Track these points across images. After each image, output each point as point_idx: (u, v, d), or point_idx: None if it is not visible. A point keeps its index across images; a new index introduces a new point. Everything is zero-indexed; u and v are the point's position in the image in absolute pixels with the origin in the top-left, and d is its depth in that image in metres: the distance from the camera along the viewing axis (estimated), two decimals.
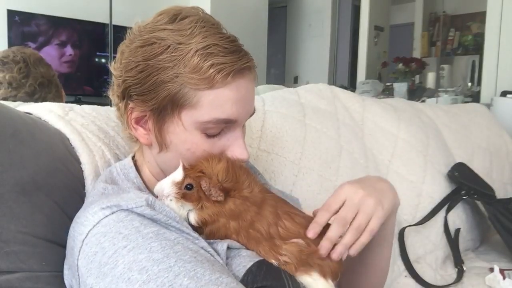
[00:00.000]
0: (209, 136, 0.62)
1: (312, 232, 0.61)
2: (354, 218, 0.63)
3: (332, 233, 0.61)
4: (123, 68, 0.63)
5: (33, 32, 3.28)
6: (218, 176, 0.59)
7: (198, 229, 0.59)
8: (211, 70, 0.58)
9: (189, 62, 0.58)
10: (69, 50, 3.49)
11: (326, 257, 0.61)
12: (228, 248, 0.58)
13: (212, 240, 0.59)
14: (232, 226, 0.59)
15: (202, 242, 0.56)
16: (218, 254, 0.56)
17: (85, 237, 0.54)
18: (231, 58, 0.60)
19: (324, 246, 0.60)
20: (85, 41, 3.56)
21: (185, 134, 0.62)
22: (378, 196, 0.65)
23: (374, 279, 0.80)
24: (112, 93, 0.68)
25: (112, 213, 0.55)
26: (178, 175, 0.60)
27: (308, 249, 0.60)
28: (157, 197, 0.60)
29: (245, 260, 0.57)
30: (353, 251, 0.62)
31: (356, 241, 0.62)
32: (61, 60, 3.44)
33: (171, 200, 0.59)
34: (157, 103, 0.61)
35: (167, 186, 0.59)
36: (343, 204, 0.64)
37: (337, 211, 0.63)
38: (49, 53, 3.33)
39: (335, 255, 0.60)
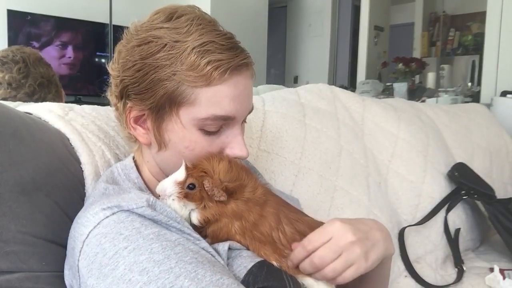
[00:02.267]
0: (208, 133, 0.62)
1: (289, 265, 0.59)
2: (331, 262, 0.58)
3: (304, 269, 0.59)
4: (121, 68, 0.63)
5: (33, 32, 3.28)
6: (220, 176, 0.59)
7: (200, 232, 0.59)
8: (208, 67, 0.58)
9: (186, 59, 0.58)
10: (69, 50, 3.49)
11: None
12: (229, 248, 0.58)
13: None
14: (235, 226, 0.59)
15: (203, 243, 0.56)
16: (219, 255, 0.56)
17: (86, 237, 0.54)
18: (228, 55, 0.60)
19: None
20: (85, 41, 3.56)
21: (183, 132, 0.62)
22: (367, 246, 0.60)
23: None
24: (110, 94, 0.68)
25: (113, 213, 0.55)
26: (180, 174, 0.59)
27: None
28: (158, 197, 0.60)
29: (246, 260, 0.57)
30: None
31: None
32: (61, 61, 3.44)
33: (173, 199, 0.59)
34: (155, 101, 0.61)
35: (169, 185, 0.59)
36: (326, 241, 0.59)
37: (317, 249, 0.58)
38: (49, 53, 3.33)
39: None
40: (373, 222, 0.66)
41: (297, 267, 0.59)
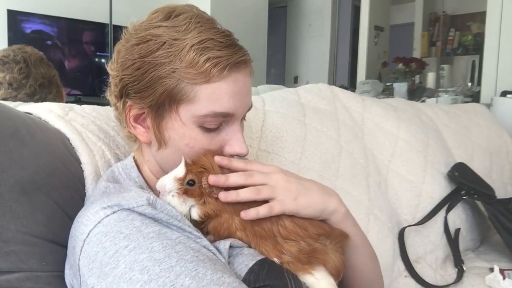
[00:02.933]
0: (208, 130, 0.63)
1: (218, 159, 0.61)
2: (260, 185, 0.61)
3: (231, 176, 0.60)
4: (120, 67, 0.63)
5: (33, 32, 3.28)
6: (219, 172, 0.59)
7: (201, 229, 0.59)
8: (207, 64, 0.59)
9: (185, 57, 0.59)
10: (69, 50, 3.49)
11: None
12: (231, 246, 0.58)
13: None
14: (236, 222, 0.59)
15: (204, 241, 0.56)
16: (220, 253, 0.56)
17: (86, 236, 0.54)
18: (227, 52, 0.60)
19: (218, 179, 0.59)
20: (85, 41, 3.56)
21: (183, 129, 0.62)
22: (298, 189, 0.63)
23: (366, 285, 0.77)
24: (110, 94, 0.68)
25: (113, 212, 0.55)
26: (180, 171, 0.60)
27: (308, 248, 0.60)
28: (158, 195, 0.60)
29: (247, 258, 0.57)
30: (245, 214, 0.59)
31: (252, 208, 0.59)
32: (61, 61, 3.44)
33: (173, 196, 0.59)
34: (155, 99, 0.61)
35: (169, 182, 0.60)
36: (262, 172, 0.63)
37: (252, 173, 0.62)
38: (49, 53, 3.33)
39: (221, 195, 0.59)
40: (319, 183, 0.69)
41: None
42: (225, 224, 0.59)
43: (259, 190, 0.60)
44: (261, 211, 0.59)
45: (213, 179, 0.59)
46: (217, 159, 0.61)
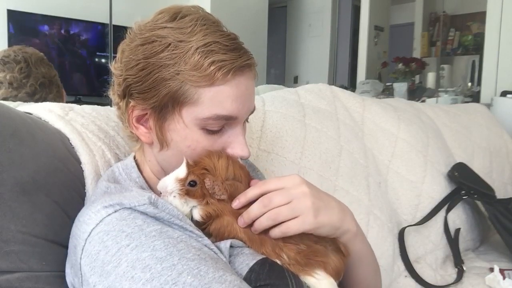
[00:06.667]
0: (210, 132, 0.63)
1: (236, 202, 0.59)
2: (278, 205, 0.59)
3: (252, 209, 0.59)
4: (124, 67, 0.63)
5: (33, 32, 3.28)
6: (221, 174, 0.59)
7: (202, 231, 0.59)
8: (212, 68, 0.59)
9: (189, 59, 0.59)
10: (69, 50, 3.49)
11: (325, 254, 0.61)
12: (231, 246, 0.58)
13: None
14: (238, 223, 0.59)
15: (206, 240, 0.56)
16: (221, 252, 0.56)
17: (88, 235, 0.54)
18: (232, 56, 0.60)
19: (243, 218, 0.59)
20: (85, 41, 3.56)
21: (185, 131, 0.62)
22: (319, 206, 0.61)
23: None
24: (113, 93, 0.68)
25: (115, 211, 0.55)
26: (181, 171, 0.60)
27: (308, 251, 0.60)
28: (159, 195, 0.60)
29: (248, 258, 0.57)
30: (254, 230, 0.59)
31: (268, 229, 0.59)
32: (61, 61, 3.44)
33: (174, 196, 0.59)
34: (158, 100, 0.61)
35: (170, 182, 0.60)
36: (280, 187, 0.61)
37: (269, 192, 0.60)
38: (49, 53, 3.33)
39: (240, 222, 0.59)
40: (336, 199, 0.67)
41: (245, 206, 0.59)
42: (227, 226, 0.59)
43: (278, 214, 0.58)
44: (273, 233, 0.59)
45: (241, 221, 0.59)
46: (234, 204, 0.59)
